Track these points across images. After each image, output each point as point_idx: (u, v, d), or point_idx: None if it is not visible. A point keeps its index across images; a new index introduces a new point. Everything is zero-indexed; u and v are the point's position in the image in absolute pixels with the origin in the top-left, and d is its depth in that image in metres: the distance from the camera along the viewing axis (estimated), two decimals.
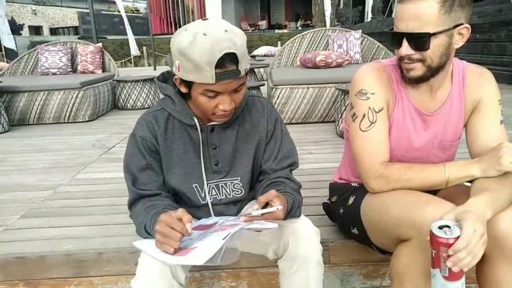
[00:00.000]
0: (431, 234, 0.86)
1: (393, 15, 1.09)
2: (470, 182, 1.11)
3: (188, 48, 0.96)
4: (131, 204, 1.16)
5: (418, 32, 1.03)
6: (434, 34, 1.02)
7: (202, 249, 0.93)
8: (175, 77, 1.05)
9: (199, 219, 1.18)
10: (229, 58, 0.96)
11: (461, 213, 0.90)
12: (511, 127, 3.11)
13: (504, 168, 1.02)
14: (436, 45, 1.04)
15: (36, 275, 1.46)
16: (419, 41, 1.04)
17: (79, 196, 2.04)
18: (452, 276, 0.85)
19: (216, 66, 0.95)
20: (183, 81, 1.04)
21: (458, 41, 1.07)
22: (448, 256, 0.84)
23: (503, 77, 5.32)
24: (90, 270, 1.46)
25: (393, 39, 1.09)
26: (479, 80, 1.20)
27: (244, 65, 1.01)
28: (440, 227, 0.87)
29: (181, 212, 0.95)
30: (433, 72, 1.09)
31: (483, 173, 1.06)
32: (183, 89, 1.07)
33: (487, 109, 1.18)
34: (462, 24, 1.05)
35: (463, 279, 0.86)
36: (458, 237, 0.84)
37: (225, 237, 0.93)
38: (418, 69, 1.09)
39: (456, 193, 1.17)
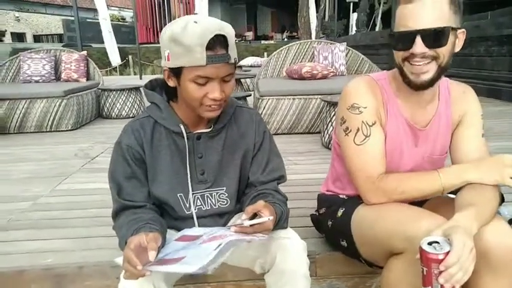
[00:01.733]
0: (421, 251, 0.86)
1: (395, 19, 1.08)
2: (453, 193, 1.13)
3: (180, 33, 0.98)
4: (115, 215, 1.13)
5: (437, 26, 1.02)
6: (451, 29, 1.03)
7: (193, 259, 0.92)
8: (164, 69, 1.06)
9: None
10: (220, 41, 0.99)
11: (449, 228, 0.90)
12: (491, 139, 3.19)
13: (503, 181, 1.05)
14: (450, 43, 1.05)
15: None
16: (436, 36, 1.03)
17: (60, 207, 1.99)
18: None
19: (207, 48, 0.97)
20: (172, 72, 1.04)
21: (458, 44, 1.09)
22: (440, 272, 0.83)
23: (482, 90, 5.46)
24: (70, 285, 1.41)
25: (401, 40, 1.07)
26: (463, 96, 1.23)
27: (233, 53, 1.03)
28: (430, 243, 0.87)
29: (150, 236, 0.93)
30: (439, 74, 1.09)
31: (479, 180, 1.07)
32: (171, 83, 1.07)
33: (470, 123, 1.22)
34: (460, 28, 1.07)
35: None
36: (448, 252, 0.84)
37: (217, 247, 0.92)
38: (429, 72, 1.08)
39: (441, 205, 1.19)
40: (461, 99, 1.22)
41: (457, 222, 0.92)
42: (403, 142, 1.21)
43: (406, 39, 1.06)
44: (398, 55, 1.10)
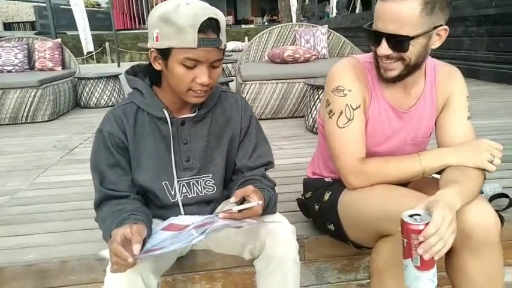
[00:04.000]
0: (402, 223, 0.87)
1: (374, 13, 1.08)
2: (439, 173, 1.13)
3: (172, 13, 0.95)
4: (98, 206, 1.10)
5: (397, 33, 1.02)
6: (413, 37, 1.02)
7: (178, 241, 0.93)
8: (151, 50, 1.02)
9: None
10: (212, 25, 0.97)
11: (431, 202, 0.91)
12: (475, 119, 3.23)
13: (483, 165, 1.06)
14: (415, 46, 1.04)
15: None
16: (399, 42, 1.03)
17: (40, 201, 1.92)
18: (423, 265, 0.85)
19: (199, 31, 0.95)
20: (160, 53, 1.01)
21: (436, 42, 1.08)
22: (420, 243, 0.84)
23: (461, 70, 5.48)
24: (54, 280, 1.37)
25: (372, 38, 1.08)
26: (449, 78, 1.22)
27: (224, 38, 1.02)
28: (411, 216, 0.88)
29: (135, 229, 0.90)
30: (409, 71, 1.10)
31: (458, 163, 1.08)
32: (158, 66, 1.04)
33: (456, 106, 1.21)
34: (441, 25, 1.05)
35: (435, 269, 0.87)
36: (428, 223, 0.85)
37: (203, 232, 0.91)
38: (396, 69, 1.09)
39: (426, 185, 1.19)
40: (447, 80, 1.22)
41: (438, 197, 0.93)
42: (385, 125, 1.21)
43: (374, 38, 1.08)
44: (372, 48, 1.12)
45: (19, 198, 1.98)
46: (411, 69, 1.10)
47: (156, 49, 1.01)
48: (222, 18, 1.01)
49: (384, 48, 1.05)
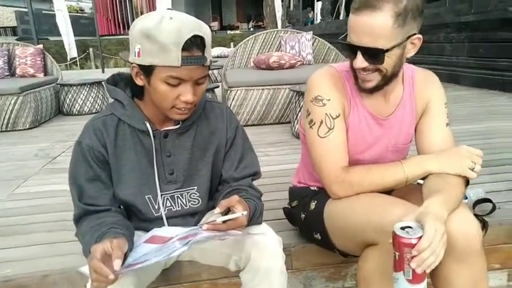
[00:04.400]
0: (394, 236, 0.86)
1: (347, 25, 1.09)
2: (422, 179, 1.14)
3: (154, 29, 0.91)
4: (77, 221, 1.07)
5: (372, 47, 1.02)
6: (388, 50, 1.02)
7: (160, 253, 0.91)
8: (133, 65, 0.98)
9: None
10: (197, 42, 0.94)
11: (421, 214, 0.91)
12: (453, 123, 3.29)
13: (464, 173, 1.07)
14: (390, 58, 1.05)
15: None
16: (374, 55, 1.04)
17: (19, 213, 1.86)
18: (415, 279, 0.85)
19: (183, 49, 0.92)
20: (141, 69, 0.97)
21: (411, 50, 1.09)
22: (412, 257, 0.84)
23: (443, 75, 5.65)
24: None
25: (347, 50, 1.09)
26: (426, 84, 1.23)
27: (209, 55, 0.98)
28: (402, 228, 0.87)
29: (115, 243, 0.88)
30: (386, 81, 1.11)
31: (440, 170, 1.09)
32: (140, 81, 1.00)
33: (434, 112, 1.22)
34: (415, 34, 1.06)
35: (425, 282, 0.87)
36: (421, 237, 0.85)
37: (187, 243, 0.89)
38: (373, 80, 1.10)
39: (409, 192, 1.20)
40: (424, 86, 1.23)
41: (426, 209, 0.93)
42: (366, 134, 1.21)
43: (350, 50, 1.08)
44: (348, 60, 1.12)
45: None
46: (388, 79, 1.11)
47: (138, 65, 0.98)
48: (208, 33, 0.98)
49: (359, 61, 1.06)
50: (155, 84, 0.97)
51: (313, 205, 1.26)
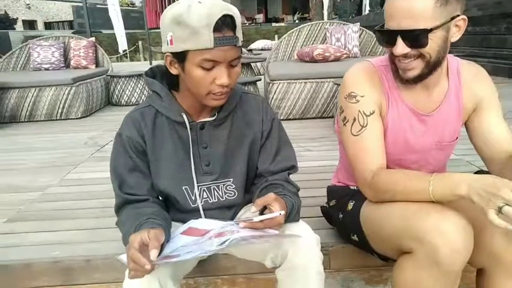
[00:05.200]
0: None
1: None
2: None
3: (184, 14, 0.91)
4: (118, 210, 1.10)
5: (414, 28, 0.95)
6: (431, 30, 0.95)
7: (196, 248, 0.91)
8: (167, 54, 0.99)
9: None
10: (227, 22, 0.93)
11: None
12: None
13: (485, 211, 0.87)
14: (434, 40, 0.97)
15: (21, 284, 1.38)
16: (416, 38, 0.96)
17: (69, 198, 1.96)
18: None
19: (214, 30, 0.91)
20: (175, 57, 0.97)
21: (456, 33, 1.01)
22: None
23: (504, 70, 5.25)
24: (78, 277, 1.39)
25: (385, 38, 1.02)
26: (476, 79, 1.15)
27: (240, 35, 0.97)
28: None
29: (152, 234, 0.89)
30: (430, 69, 1.03)
31: (468, 197, 0.90)
32: (174, 70, 1.01)
33: (491, 107, 1.14)
34: (458, 15, 0.97)
35: None
36: None
37: (224, 242, 0.88)
38: (416, 68, 1.02)
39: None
40: (474, 82, 1.14)
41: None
42: (407, 131, 1.14)
43: (389, 38, 1.01)
44: (387, 50, 1.05)
45: (50, 194, 2.04)
46: (432, 66, 1.02)
47: (171, 53, 0.98)
48: (237, 14, 0.96)
49: (400, 47, 0.99)
50: (190, 70, 0.96)
51: (350, 205, 1.21)
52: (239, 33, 0.97)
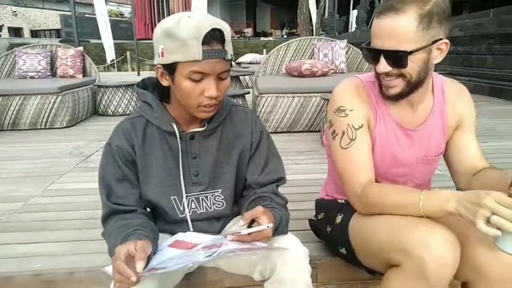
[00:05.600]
0: None
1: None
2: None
3: (174, 27, 0.94)
4: (104, 220, 1.08)
5: (395, 49, 0.99)
6: (411, 52, 0.99)
7: (184, 260, 0.90)
8: (158, 66, 1.01)
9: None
10: (216, 36, 0.95)
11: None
12: (494, 139, 3.12)
13: (474, 222, 0.89)
14: (415, 62, 1.01)
15: None
16: (397, 58, 1.00)
17: (52, 209, 1.92)
18: None
19: (203, 43, 0.93)
20: (166, 69, 0.99)
21: (437, 56, 1.04)
22: None
23: (484, 89, 5.42)
24: None
25: (371, 56, 1.06)
26: (459, 97, 1.20)
27: (230, 49, 0.99)
28: None
29: (139, 245, 0.89)
30: (412, 88, 1.06)
31: (456, 213, 0.93)
32: (165, 82, 1.02)
33: (469, 127, 1.21)
34: (441, 39, 1.01)
35: None
36: None
37: (212, 254, 0.88)
38: (397, 86, 1.06)
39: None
40: (457, 100, 1.19)
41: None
42: (394, 145, 1.17)
43: (373, 55, 1.05)
44: (372, 66, 1.09)
45: (32, 204, 1.99)
46: (413, 86, 1.06)
47: (162, 65, 1.00)
48: (226, 29, 0.99)
49: (383, 66, 1.03)
50: (179, 81, 0.98)
51: (339, 219, 1.22)
52: (228, 47, 0.98)
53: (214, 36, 0.95)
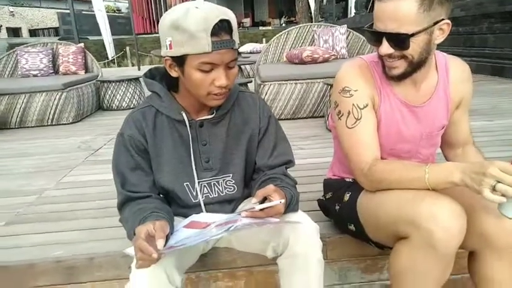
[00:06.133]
0: None
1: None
2: None
3: (182, 20, 0.95)
4: (120, 207, 1.12)
5: (397, 32, 1.01)
6: (413, 34, 1.01)
7: (201, 237, 0.94)
8: (166, 58, 1.03)
9: None
10: (224, 26, 0.97)
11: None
12: (495, 117, 3.14)
13: (480, 191, 0.93)
14: (416, 43, 1.03)
15: (24, 284, 1.40)
16: (399, 40, 1.03)
17: (66, 200, 1.97)
18: None
19: (212, 34, 0.95)
20: (175, 61, 1.01)
21: (439, 37, 1.06)
22: None
23: (486, 68, 5.40)
24: (81, 276, 1.40)
25: (373, 38, 1.08)
26: (463, 76, 1.23)
27: (237, 38, 1.01)
28: None
29: (158, 225, 0.92)
30: (414, 68, 1.09)
31: (462, 183, 0.97)
32: (174, 73, 1.04)
33: (467, 105, 1.27)
34: (443, 19, 1.03)
35: None
36: None
37: (227, 229, 0.92)
38: (400, 67, 1.09)
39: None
40: (461, 78, 1.22)
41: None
42: (399, 122, 1.20)
43: (375, 38, 1.07)
44: (375, 48, 1.12)
45: (46, 197, 2.04)
46: (415, 66, 1.09)
47: (171, 57, 1.01)
48: (233, 18, 1.00)
49: (385, 48, 1.05)
50: (189, 73, 1.00)
51: (347, 196, 1.26)
52: (235, 36, 1.01)
53: (222, 27, 0.96)
